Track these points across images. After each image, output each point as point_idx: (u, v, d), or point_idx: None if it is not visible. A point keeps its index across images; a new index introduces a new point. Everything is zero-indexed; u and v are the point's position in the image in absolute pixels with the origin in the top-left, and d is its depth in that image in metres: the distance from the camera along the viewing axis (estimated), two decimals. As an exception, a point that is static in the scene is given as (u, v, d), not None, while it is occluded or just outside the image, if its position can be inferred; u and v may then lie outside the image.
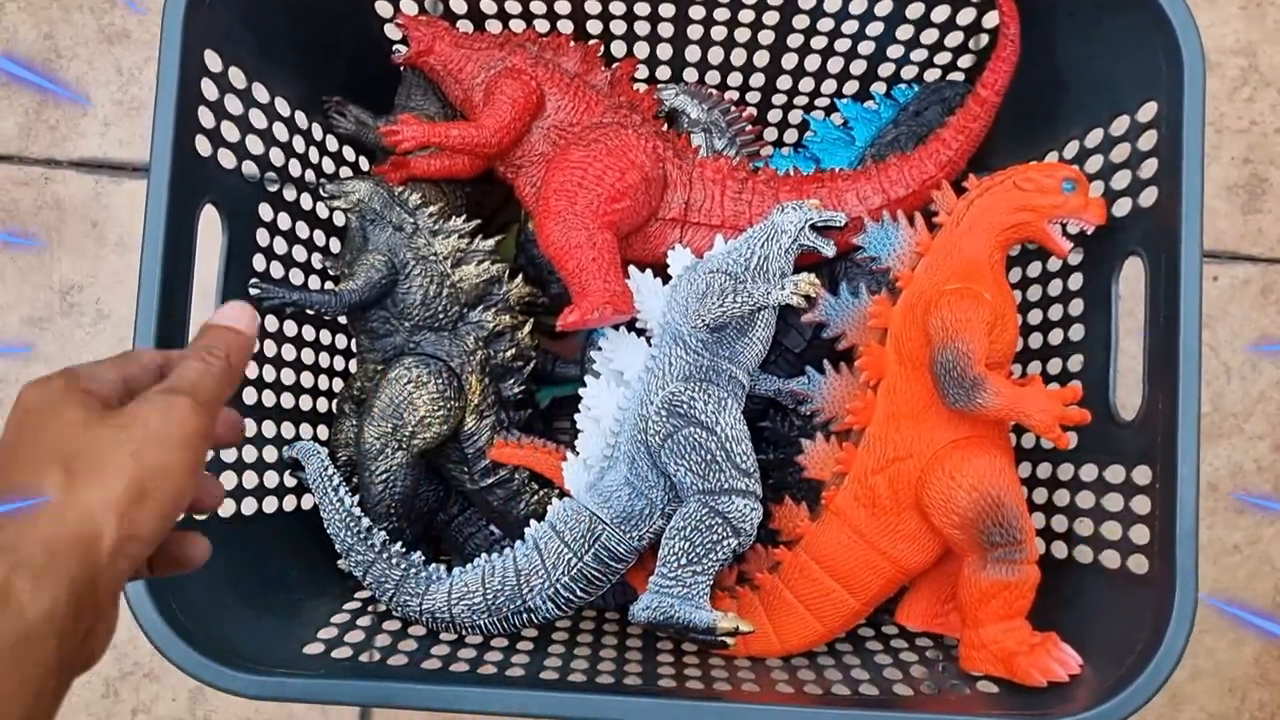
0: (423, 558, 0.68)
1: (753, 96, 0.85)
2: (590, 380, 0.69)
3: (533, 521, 0.69)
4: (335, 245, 0.80)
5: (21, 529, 0.34)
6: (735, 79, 0.83)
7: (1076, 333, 0.70)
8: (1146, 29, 0.62)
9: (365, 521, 0.68)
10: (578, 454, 0.69)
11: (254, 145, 0.69)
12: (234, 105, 0.66)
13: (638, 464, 0.66)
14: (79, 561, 0.35)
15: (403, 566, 0.67)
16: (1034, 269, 0.76)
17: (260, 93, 0.69)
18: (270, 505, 0.71)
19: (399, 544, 0.68)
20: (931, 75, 0.81)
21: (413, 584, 0.67)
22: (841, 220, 0.68)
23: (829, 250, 0.68)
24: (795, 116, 0.87)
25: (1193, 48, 0.61)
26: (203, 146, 0.64)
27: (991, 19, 0.72)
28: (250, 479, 0.69)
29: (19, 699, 0.33)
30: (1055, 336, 0.73)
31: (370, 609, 0.70)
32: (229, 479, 0.67)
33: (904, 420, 0.65)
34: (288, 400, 0.74)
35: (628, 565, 0.67)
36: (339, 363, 0.82)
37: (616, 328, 0.70)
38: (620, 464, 0.67)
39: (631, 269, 0.69)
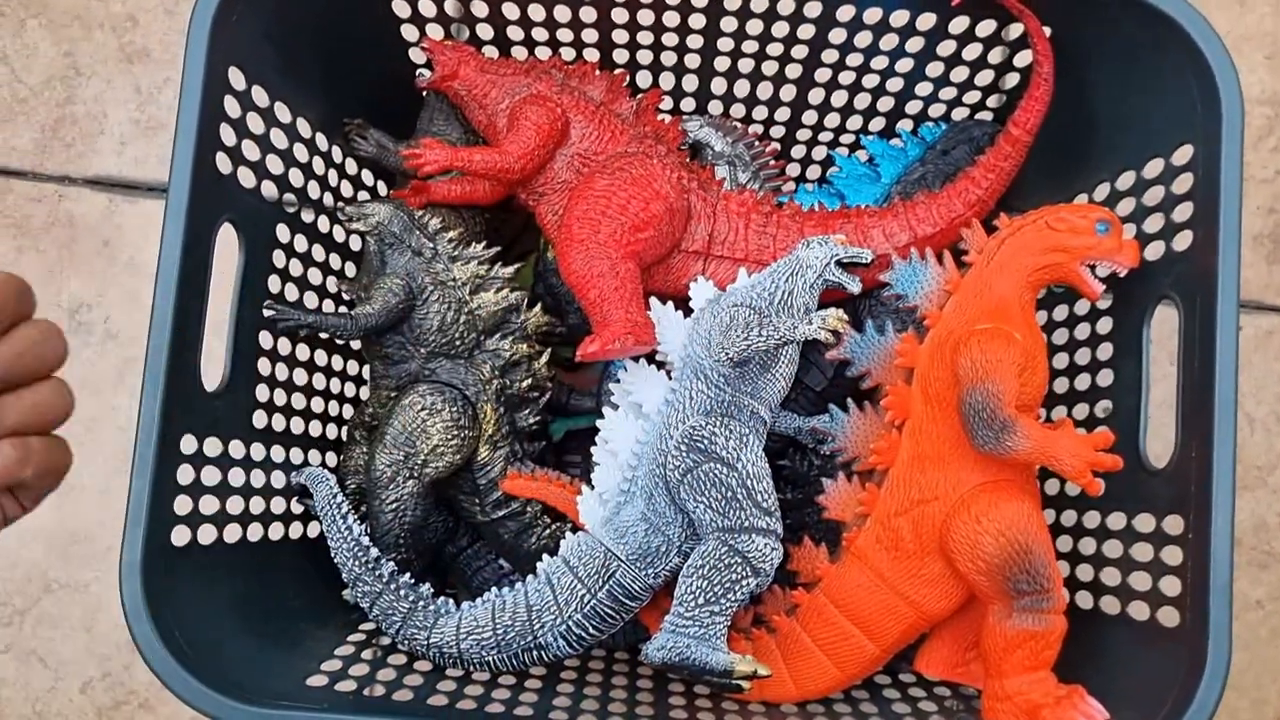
0: (431, 590, 0.66)
1: (777, 131, 0.84)
2: (608, 412, 0.68)
3: (545, 556, 0.67)
4: (351, 270, 0.79)
5: None
6: (760, 112, 0.82)
7: (1105, 378, 0.69)
8: (1183, 71, 0.61)
9: (374, 551, 0.66)
10: (593, 488, 0.67)
11: (274, 165, 0.68)
12: (255, 124, 0.65)
13: (655, 499, 0.64)
14: None
15: (411, 599, 0.65)
16: (1060, 312, 0.75)
17: (282, 112, 0.68)
18: (276, 532, 0.70)
19: (407, 575, 0.66)
20: (959, 114, 0.80)
21: (420, 617, 0.65)
22: (868, 257, 0.67)
23: (854, 287, 0.66)
24: (819, 152, 0.86)
25: (1231, 90, 0.60)
26: (223, 164, 0.63)
27: (1024, 58, 0.72)
28: (257, 505, 0.68)
29: None
30: (1082, 381, 0.72)
31: (375, 641, 0.68)
32: (236, 504, 0.66)
33: (929, 462, 0.64)
34: (297, 425, 0.72)
35: (642, 603, 0.65)
36: (350, 389, 0.80)
37: (637, 359, 0.68)
38: (637, 499, 0.65)
39: (653, 301, 0.68)
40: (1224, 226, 0.60)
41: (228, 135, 0.63)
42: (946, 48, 0.72)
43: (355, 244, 0.79)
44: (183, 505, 0.60)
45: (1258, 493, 0.91)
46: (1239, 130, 0.59)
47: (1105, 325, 0.70)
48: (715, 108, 0.82)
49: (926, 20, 0.69)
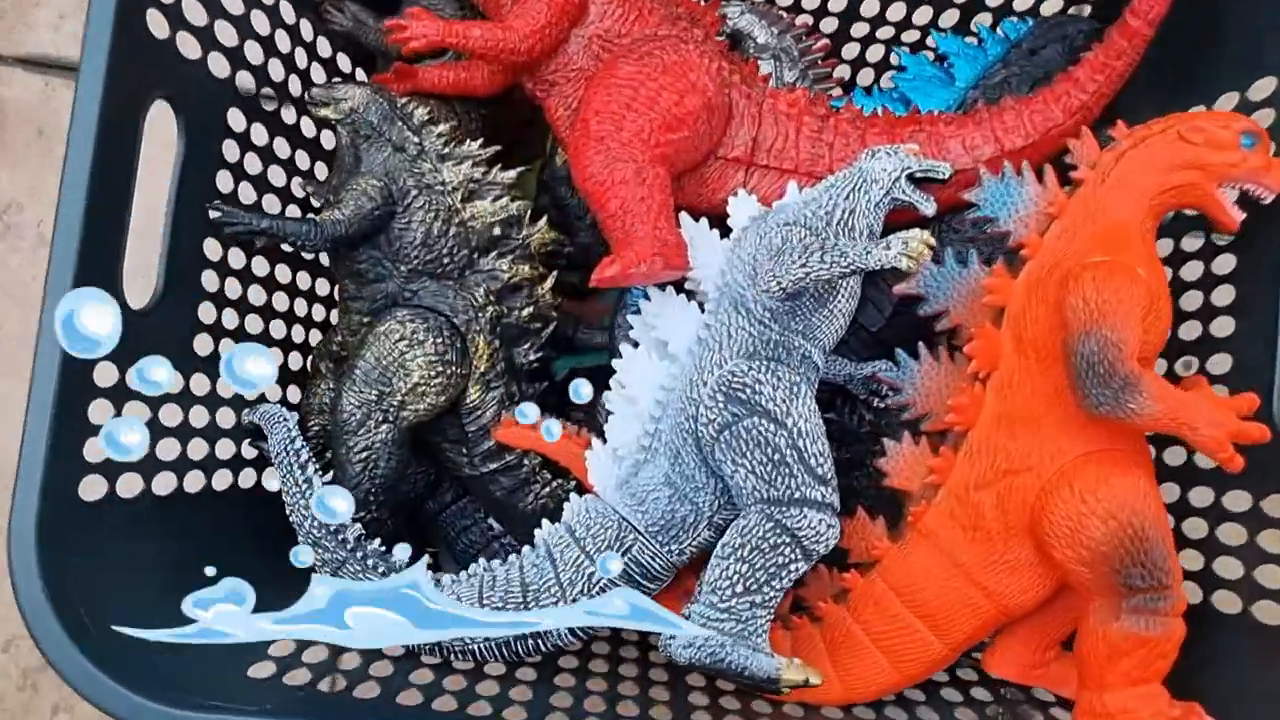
0: (406, 559, 0.55)
1: (829, 25, 0.71)
2: (626, 350, 0.56)
3: (545, 522, 0.56)
4: (323, 172, 0.67)
5: None
6: (811, 1, 0.69)
7: (1228, 325, 0.57)
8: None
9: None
10: (605, 442, 0.56)
11: (225, 35, 0.56)
12: (200, -22, 0.53)
13: (683, 459, 0.53)
14: None
15: (380, 570, 0.54)
16: (1165, 245, 0.63)
17: (237, -32, 0.55)
18: (222, 481, 0.58)
19: (377, 541, 0.55)
20: (1050, 8, 0.68)
21: None
22: (946, 172, 0.54)
23: (929, 208, 0.54)
24: (875, 53, 0.73)
25: None
26: (156, 25, 0.50)
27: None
28: (198, 448, 0.56)
29: None
30: (1191, 330, 0.60)
31: (339, 615, 0.57)
32: (171, 448, 0.54)
33: (1021, 424, 0.52)
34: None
35: (663, 584, 0.54)
36: (318, 312, 0.68)
37: (663, 288, 0.56)
38: (660, 458, 0.54)
39: (684, 217, 0.56)
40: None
41: (163, -13, 0.50)
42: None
43: (329, 141, 0.67)
44: (96, 450, 0.48)
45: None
46: None
47: (1226, 263, 0.58)
48: (760, -8, 0.69)
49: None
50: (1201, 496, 0.57)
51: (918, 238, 0.49)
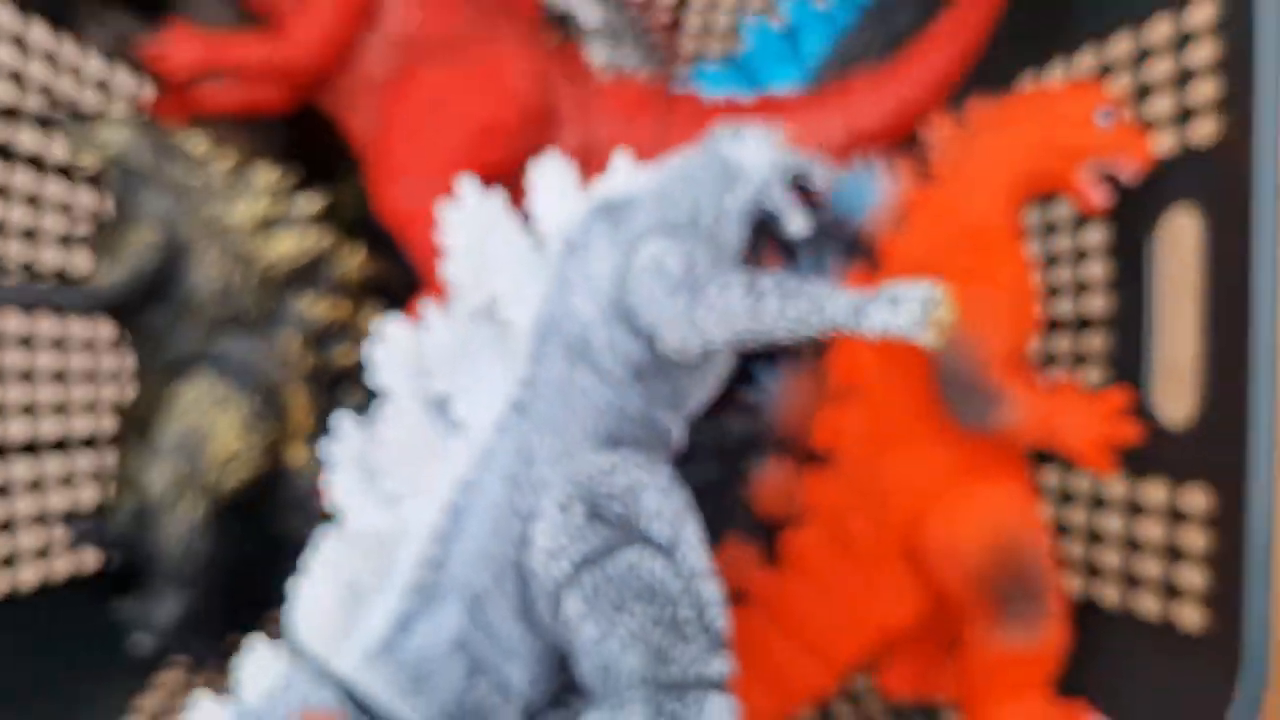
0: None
1: (667, -6, 0.66)
2: (384, 410, 0.39)
3: None
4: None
5: None
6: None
7: (1100, 305, 0.55)
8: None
9: None
10: (325, 570, 0.38)
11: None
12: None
13: (488, 608, 0.37)
14: None
15: None
16: (1034, 216, 0.60)
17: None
18: (29, 576, 0.52)
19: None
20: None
21: None
22: (824, 179, 0.44)
23: (798, 227, 0.43)
24: (723, 21, 0.68)
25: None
26: None
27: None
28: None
29: None
30: (1071, 307, 0.57)
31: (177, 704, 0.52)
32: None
33: (889, 441, 0.49)
34: (46, 426, 0.53)
35: None
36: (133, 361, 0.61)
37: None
38: (448, 604, 0.37)
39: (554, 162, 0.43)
40: (1260, 109, 0.44)
41: None
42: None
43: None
44: None
45: None
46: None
47: (1096, 236, 0.55)
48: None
49: None
50: (1078, 482, 0.55)
51: (936, 300, 0.35)
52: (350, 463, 0.38)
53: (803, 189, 0.44)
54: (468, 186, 0.41)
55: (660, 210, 0.41)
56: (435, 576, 0.37)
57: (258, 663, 0.37)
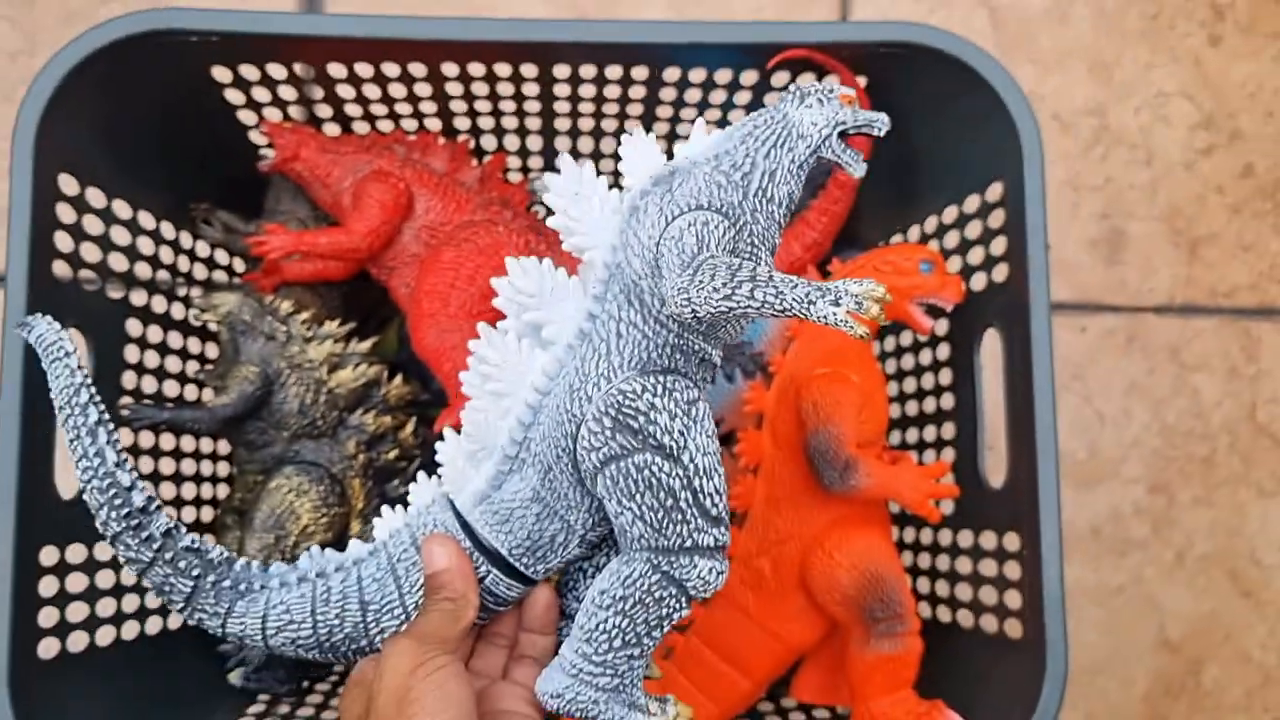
0: (224, 554, 0.52)
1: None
2: (486, 332, 0.51)
3: (388, 513, 0.53)
4: (214, 351, 0.79)
5: None
6: (607, 165, 0.84)
7: (947, 401, 0.73)
8: (988, 113, 0.64)
9: (137, 494, 0.49)
10: (458, 433, 0.51)
11: (117, 263, 0.68)
12: (93, 225, 0.65)
13: (555, 476, 0.48)
14: None
15: (195, 573, 0.50)
16: (906, 338, 0.78)
17: (122, 209, 0.68)
18: (154, 626, 0.70)
19: (191, 537, 0.51)
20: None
21: (210, 596, 0.51)
22: (884, 125, 0.48)
23: (859, 169, 0.48)
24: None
25: (1030, 133, 0.62)
26: (61, 271, 0.63)
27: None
28: (130, 602, 0.67)
29: None
30: (929, 405, 0.75)
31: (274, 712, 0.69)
32: (107, 607, 0.65)
33: (784, 502, 0.66)
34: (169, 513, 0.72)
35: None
36: (224, 468, 0.80)
37: (540, 259, 0.53)
38: (529, 471, 0.49)
39: (565, 161, 0.51)
40: (1032, 259, 0.62)
41: (64, 242, 0.62)
42: (773, 100, 0.75)
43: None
44: (48, 617, 0.59)
45: (1111, 484, 0.97)
46: (1039, 168, 0.62)
47: (944, 352, 0.73)
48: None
49: (749, 77, 0.72)
50: (943, 537, 0.72)
51: (871, 294, 0.41)
52: (482, 368, 0.51)
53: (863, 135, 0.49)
54: (567, 161, 0.51)
55: (714, 174, 0.47)
56: (520, 452, 0.50)
57: (420, 485, 0.54)
